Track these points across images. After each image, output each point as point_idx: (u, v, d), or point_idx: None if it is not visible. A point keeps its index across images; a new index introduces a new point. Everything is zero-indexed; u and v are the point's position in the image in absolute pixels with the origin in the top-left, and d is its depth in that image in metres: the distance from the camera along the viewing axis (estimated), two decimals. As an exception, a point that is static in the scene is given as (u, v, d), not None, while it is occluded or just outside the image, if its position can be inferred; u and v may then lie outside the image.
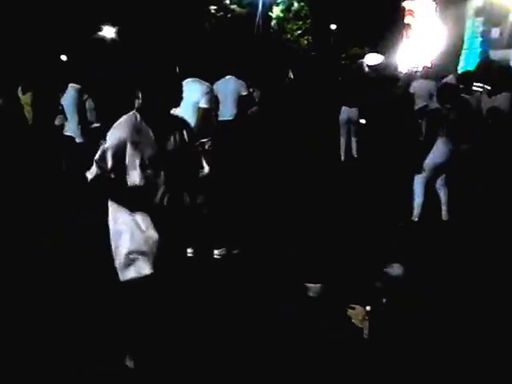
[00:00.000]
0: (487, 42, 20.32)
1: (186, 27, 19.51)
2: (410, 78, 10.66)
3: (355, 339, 3.24)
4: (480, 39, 20.83)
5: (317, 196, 6.31)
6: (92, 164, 2.52)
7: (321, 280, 3.81)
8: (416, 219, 5.47)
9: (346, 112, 8.73)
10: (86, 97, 6.09)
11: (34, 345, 3.14)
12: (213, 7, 24.70)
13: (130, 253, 2.60)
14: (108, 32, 21.08)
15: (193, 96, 4.16)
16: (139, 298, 2.65)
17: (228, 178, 5.18)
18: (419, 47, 23.63)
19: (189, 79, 4.19)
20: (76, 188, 3.16)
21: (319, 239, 4.84)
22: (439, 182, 5.52)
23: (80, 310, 3.48)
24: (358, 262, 4.25)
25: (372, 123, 9.28)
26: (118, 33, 20.46)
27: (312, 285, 3.78)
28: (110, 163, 2.48)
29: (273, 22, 26.44)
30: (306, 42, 27.32)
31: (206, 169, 2.90)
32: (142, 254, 2.59)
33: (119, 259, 2.65)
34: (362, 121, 9.10)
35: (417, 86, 8.69)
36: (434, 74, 9.46)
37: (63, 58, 15.44)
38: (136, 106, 2.67)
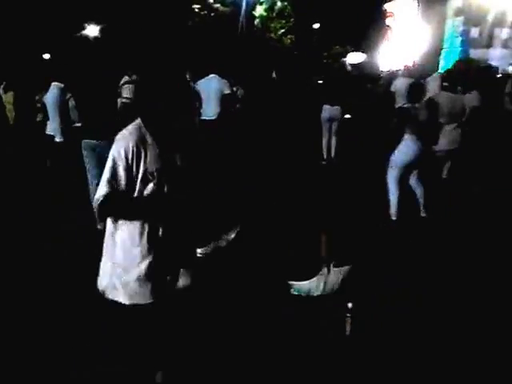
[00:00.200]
0: (467, 42, 20.67)
1: (169, 26, 19.47)
2: (392, 76, 10.74)
3: (355, 339, 3.26)
4: (460, 38, 21.16)
5: (298, 195, 6.26)
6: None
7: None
8: (394, 218, 5.52)
9: (327, 110, 8.75)
10: (68, 96, 6.01)
11: (34, 345, 3.13)
12: (196, 6, 24.66)
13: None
14: (92, 30, 20.89)
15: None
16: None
17: (213, 176, 5.18)
18: (401, 47, 23.88)
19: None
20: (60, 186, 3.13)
21: (297, 239, 4.77)
22: (413, 180, 5.60)
23: (80, 310, 3.44)
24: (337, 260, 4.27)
25: (353, 121, 9.39)
26: (102, 31, 20.31)
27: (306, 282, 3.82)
28: (122, 178, 2.32)
29: (256, 21, 26.45)
30: (289, 40, 27.40)
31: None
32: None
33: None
34: (347, 116, 9.18)
35: (398, 85, 8.73)
36: (417, 72, 9.51)
37: (46, 56, 15.32)
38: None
